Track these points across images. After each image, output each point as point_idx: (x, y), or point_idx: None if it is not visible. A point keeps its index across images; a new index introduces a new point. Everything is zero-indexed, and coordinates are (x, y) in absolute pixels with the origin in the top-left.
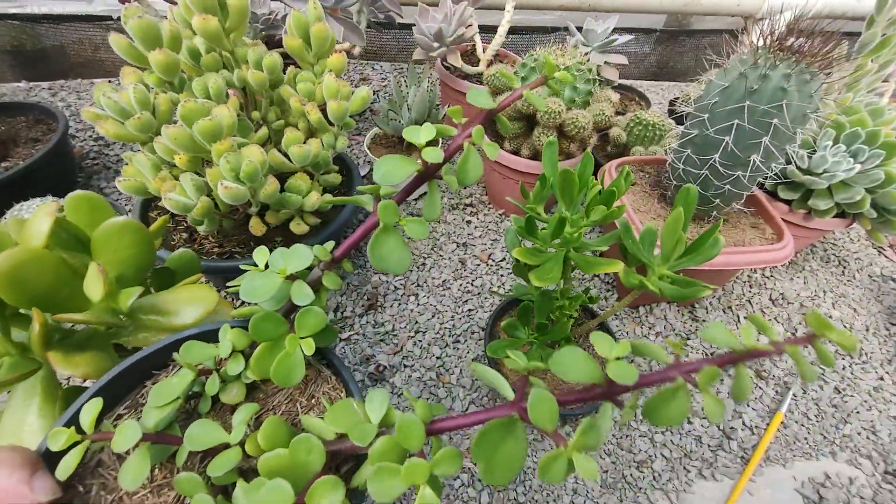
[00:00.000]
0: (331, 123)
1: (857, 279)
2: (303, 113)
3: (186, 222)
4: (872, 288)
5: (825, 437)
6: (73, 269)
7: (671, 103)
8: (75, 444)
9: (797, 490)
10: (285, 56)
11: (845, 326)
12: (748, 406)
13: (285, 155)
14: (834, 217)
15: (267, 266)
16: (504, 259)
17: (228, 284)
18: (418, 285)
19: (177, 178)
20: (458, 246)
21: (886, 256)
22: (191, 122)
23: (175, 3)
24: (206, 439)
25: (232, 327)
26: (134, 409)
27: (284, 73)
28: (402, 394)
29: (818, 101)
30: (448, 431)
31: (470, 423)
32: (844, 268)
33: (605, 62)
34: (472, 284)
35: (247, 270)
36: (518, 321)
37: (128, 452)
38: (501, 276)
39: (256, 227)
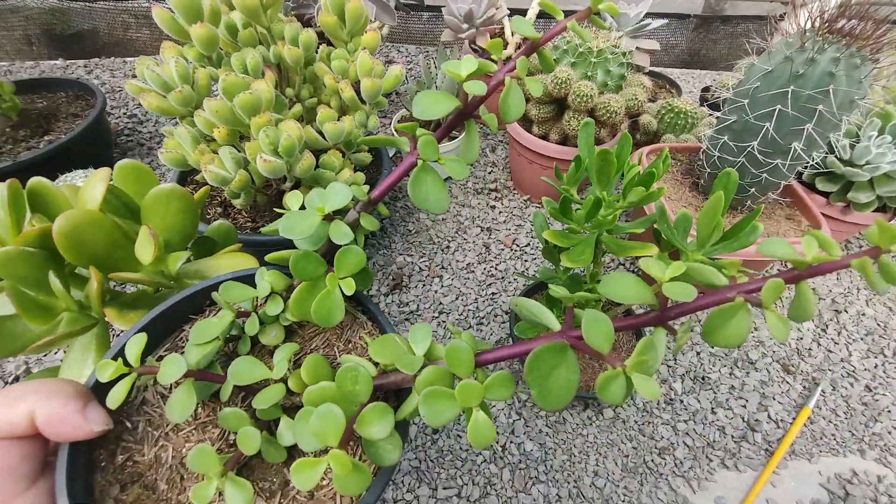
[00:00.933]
0: (363, 102)
1: None
2: (336, 90)
3: (221, 197)
4: None
5: (853, 435)
6: (125, 233)
7: (703, 91)
8: (122, 376)
9: (822, 485)
10: (318, 35)
11: (878, 325)
12: (774, 399)
13: (319, 132)
14: (874, 211)
15: (303, 208)
16: (528, 244)
17: (263, 230)
18: (443, 267)
19: (215, 152)
20: (482, 230)
21: None
22: (231, 96)
23: None
24: (248, 375)
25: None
26: (174, 351)
27: (317, 52)
28: None
29: (867, 87)
30: (494, 363)
31: (517, 354)
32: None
33: (637, 48)
34: (496, 269)
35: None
36: (546, 304)
37: (171, 390)
38: (525, 261)
39: (289, 203)
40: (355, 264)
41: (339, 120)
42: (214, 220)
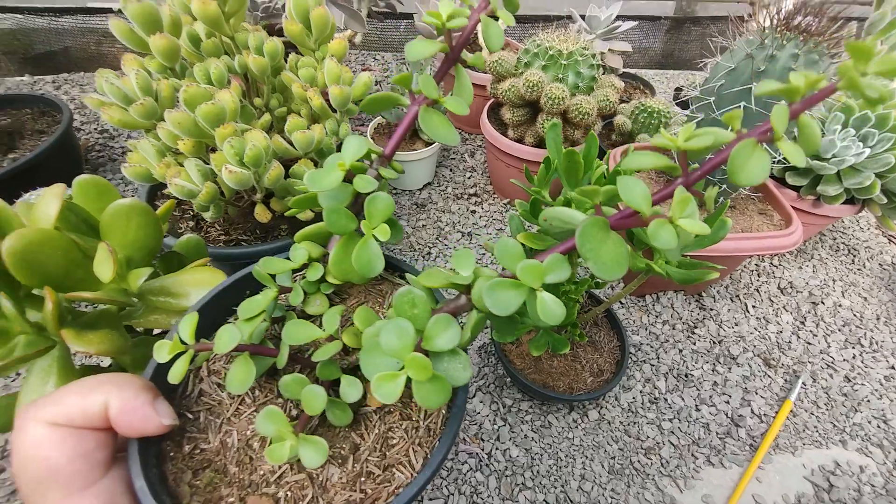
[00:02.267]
0: (333, 110)
1: (868, 268)
2: (305, 99)
3: (193, 211)
4: (883, 277)
5: (835, 426)
6: (84, 251)
7: (676, 91)
8: (179, 355)
9: (806, 478)
10: (286, 44)
11: (855, 315)
12: (756, 394)
13: (289, 142)
14: (843, 203)
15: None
16: None
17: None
18: None
19: (181, 165)
20: (462, 235)
21: None
22: (194, 107)
23: None
24: (302, 335)
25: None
26: None
27: (286, 61)
28: None
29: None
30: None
31: (564, 250)
32: (854, 256)
33: (609, 49)
34: None
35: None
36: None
37: (225, 378)
38: None
39: (262, 214)
40: (385, 210)
41: (309, 128)
42: (185, 233)
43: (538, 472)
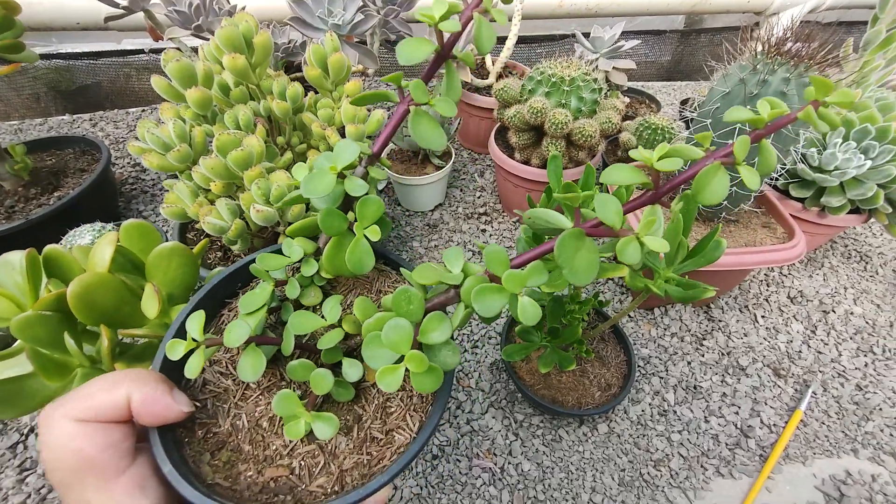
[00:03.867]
0: None
1: (881, 274)
2: (323, 136)
3: (220, 241)
4: None
5: (846, 435)
6: (131, 290)
7: (682, 104)
8: (191, 351)
9: (817, 487)
10: (303, 80)
11: (867, 323)
12: (766, 404)
13: None
14: (848, 213)
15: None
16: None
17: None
18: None
19: (212, 203)
20: (473, 254)
21: None
22: (225, 153)
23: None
24: (307, 324)
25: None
26: (219, 334)
27: (305, 99)
28: None
29: None
30: (523, 266)
31: (543, 252)
32: (867, 263)
33: (614, 67)
34: None
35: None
36: (531, 326)
37: (227, 367)
38: None
39: None
40: (375, 211)
41: None
42: (215, 264)
43: (550, 485)
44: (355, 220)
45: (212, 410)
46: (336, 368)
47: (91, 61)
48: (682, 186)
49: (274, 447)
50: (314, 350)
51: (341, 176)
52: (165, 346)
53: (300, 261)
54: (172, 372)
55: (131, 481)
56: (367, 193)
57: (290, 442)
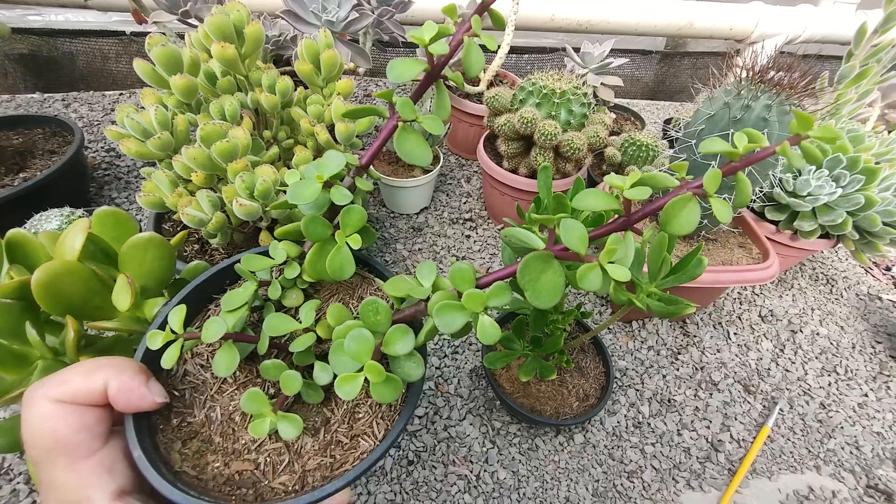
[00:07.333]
0: (338, 142)
1: (845, 297)
2: (312, 133)
3: (198, 234)
4: (859, 306)
5: (810, 451)
6: (102, 281)
7: (665, 123)
8: (170, 343)
9: (782, 502)
10: (292, 75)
11: (832, 344)
12: (736, 419)
13: None
14: (819, 238)
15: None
16: None
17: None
18: None
19: (192, 194)
20: (457, 259)
21: (873, 275)
22: (209, 144)
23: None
24: (281, 327)
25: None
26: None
27: (294, 94)
28: None
29: None
30: (490, 285)
31: (510, 273)
32: (832, 286)
33: (602, 83)
34: None
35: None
36: (514, 334)
37: (208, 360)
38: None
39: (266, 240)
40: (358, 221)
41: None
42: (192, 257)
43: (524, 494)
44: (338, 228)
45: (189, 400)
46: (310, 370)
47: (68, 39)
48: (651, 216)
49: (243, 441)
50: (290, 350)
51: (328, 185)
52: (147, 336)
53: (284, 263)
54: (153, 362)
55: (100, 463)
56: (352, 202)
57: (259, 438)
